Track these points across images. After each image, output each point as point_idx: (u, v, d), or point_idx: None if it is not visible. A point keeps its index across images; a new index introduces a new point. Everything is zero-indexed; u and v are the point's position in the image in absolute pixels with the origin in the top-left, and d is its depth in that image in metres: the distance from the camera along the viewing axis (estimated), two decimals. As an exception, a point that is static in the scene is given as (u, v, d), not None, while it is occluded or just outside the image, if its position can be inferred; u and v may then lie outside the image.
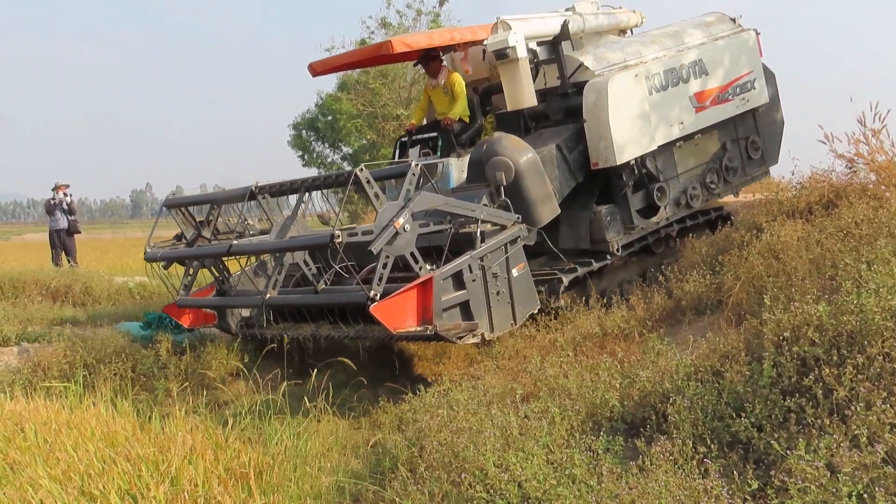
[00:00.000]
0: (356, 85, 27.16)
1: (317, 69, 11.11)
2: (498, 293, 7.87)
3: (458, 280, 7.59)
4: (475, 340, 7.68)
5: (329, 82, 34.40)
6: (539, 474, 4.49)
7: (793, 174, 9.10)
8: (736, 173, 11.64)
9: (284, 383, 7.48)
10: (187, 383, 8.37)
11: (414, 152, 10.58)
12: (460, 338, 7.47)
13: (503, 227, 8.08)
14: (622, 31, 11.91)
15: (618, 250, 9.89)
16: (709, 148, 11.33)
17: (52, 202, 18.76)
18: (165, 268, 9.51)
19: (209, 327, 9.92)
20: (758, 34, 11.86)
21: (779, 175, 11.11)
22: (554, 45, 10.43)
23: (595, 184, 10.12)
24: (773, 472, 4.06)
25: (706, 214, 11.28)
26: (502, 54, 9.67)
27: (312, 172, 30.75)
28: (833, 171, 8.49)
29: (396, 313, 7.15)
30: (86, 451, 5.63)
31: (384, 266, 7.23)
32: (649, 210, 10.45)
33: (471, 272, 7.65)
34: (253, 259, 9.61)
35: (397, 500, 4.95)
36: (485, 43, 9.98)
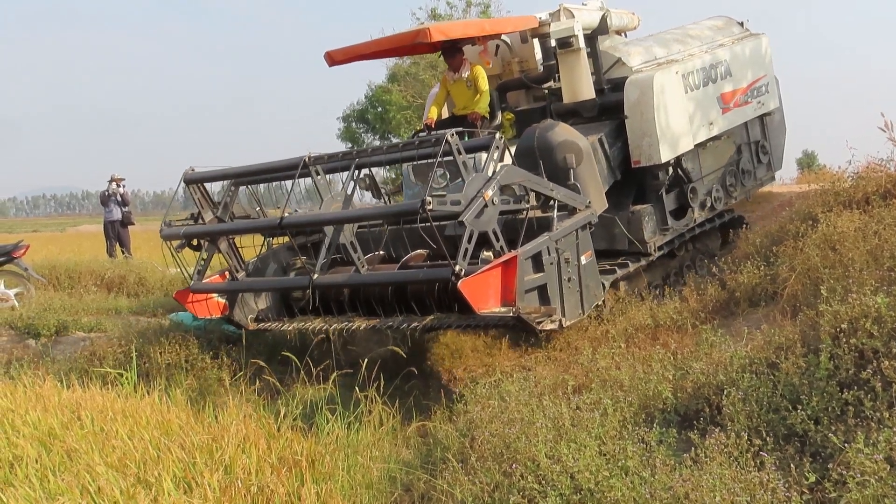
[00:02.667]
0: (406, 76, 27.17)
1: (335, 58, 10.06)
2: (569, 279, 7.59)
3: (537, 262, 7.32)
4: (553, 326, 7.37)
5: (379, 74, 34.42)
6: (591, 466, 4.47)
7: (849, 164, 8.94)
8: (750, 176, 11.62)
9: (335, 374, 7.52)
10: (240, 373, 8.44)
11: None
12: (539, 322, 7.16)
13: (573, 212, 7.84)
14: (618, 33, 11.51)
15: (655, 251, 9.65)
16: (727, 150, 11.27)
17: (106, 193, 19.07)
18: (180, 248, 8.75)
19: (217, 319, 9.31)
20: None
21: (834, 165, 11.01)
22: (591, 38, 10.14)
23: (630, 183, 9.89)
24: (830, 466, 4.00)
25: (721, 217, 11.18)
26: (566, 43, 9.49)
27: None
28: (891, 160, 8.34)
29: (481, 292, 6.79)
30: (141, 439, 5.69)
31: (469, 240, 6.89)
32: (679, 211, 10.33)
33: (549, 255, 7.39)
34: (264, 248, 9.15)
35: (449, 489, 4.97)
36: (550, 31, 9.74)
